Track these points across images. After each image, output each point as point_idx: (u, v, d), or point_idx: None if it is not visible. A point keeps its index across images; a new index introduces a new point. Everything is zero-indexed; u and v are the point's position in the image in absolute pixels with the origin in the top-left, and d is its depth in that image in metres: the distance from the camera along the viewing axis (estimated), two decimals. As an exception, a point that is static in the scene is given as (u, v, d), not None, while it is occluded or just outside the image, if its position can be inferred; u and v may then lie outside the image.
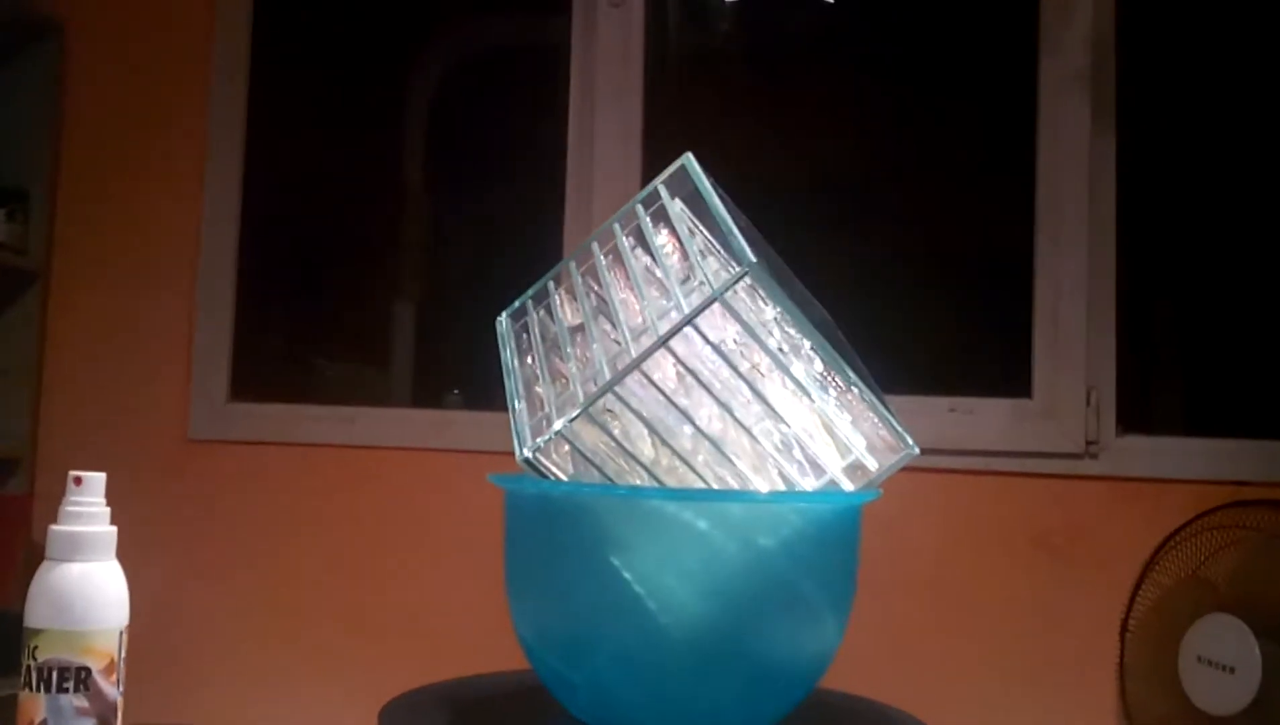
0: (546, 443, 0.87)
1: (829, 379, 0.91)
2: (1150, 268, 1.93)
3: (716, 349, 0.85)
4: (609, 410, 0.87)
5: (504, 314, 1.04)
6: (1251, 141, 1.92)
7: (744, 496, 0.87)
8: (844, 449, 0.89)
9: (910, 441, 0.88)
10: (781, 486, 0.89)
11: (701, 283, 0.85)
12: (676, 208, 0.94)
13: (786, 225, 0.98)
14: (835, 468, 0.89)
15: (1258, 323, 1.90)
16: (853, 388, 0.89)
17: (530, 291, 1.03)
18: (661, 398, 0.87)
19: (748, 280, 0.82)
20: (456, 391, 2.31)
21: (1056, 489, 1.87)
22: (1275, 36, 1.90)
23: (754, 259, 0.79)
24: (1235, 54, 1.94)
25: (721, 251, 0.96)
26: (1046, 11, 1.96)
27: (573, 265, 1.00)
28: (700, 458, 0.88)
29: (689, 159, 0.95)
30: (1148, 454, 1.85)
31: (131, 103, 2.39)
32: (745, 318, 0.85)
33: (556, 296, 1.00)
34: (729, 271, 0.89)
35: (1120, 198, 1.91)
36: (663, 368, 0.87)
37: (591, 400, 0.84)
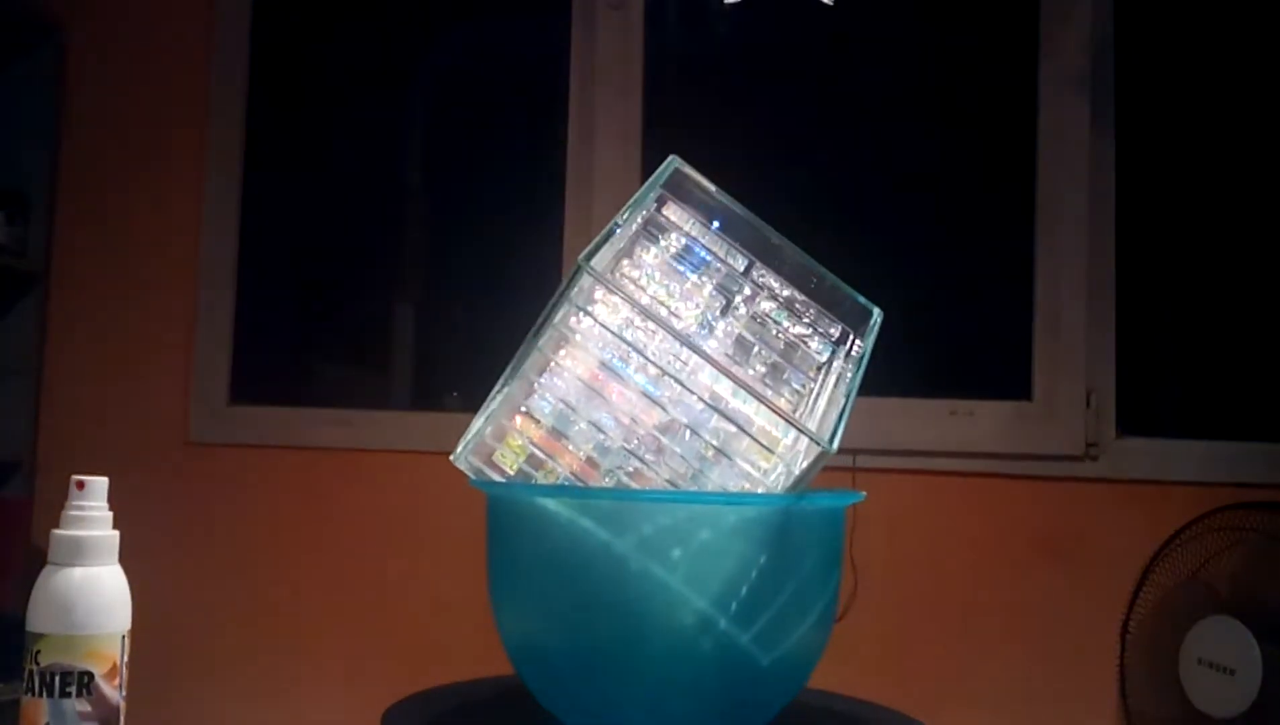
0: (466, 448, 0.89)
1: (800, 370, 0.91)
2: (1150, 269, 1.93)
3: (605, 361, 0.86)
4: (526, 414, 0.88)
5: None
6: (1251, 142, 1.93)
7: (712, 498, 0.87)
8: (766, 453, 0.88)
9: (825, 440, 0.81)
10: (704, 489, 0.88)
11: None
12: (645, 214, 0.96)
13: (786, 227, 0.98)
14: (760, 472, 0.88)
15: (1257, 324, 1.90)
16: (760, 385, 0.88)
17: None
18: (570, 406, 0.88)
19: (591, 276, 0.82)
20: (456, 393, 2.31)
21: (1056, 491, 1.87)
22: (1275, 37, 1.90)
23: (581, 261, 0.80)
24: (1235, 55, 1.94)
25: (711, 250, 0.96)
26: (1046, 13, 1.96)
27: None
28: (629, 464, 0.88)
29: (672, 160, 0.96)
30: (1148, 456, 1.85)
31: (131, 105, 2.39)
32: (606, 319, 0.86)
33: None
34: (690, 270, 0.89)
35: (1120, 199, 1.91)
36: (562, 376, 0.88)
37: (492, 406, 0.86)
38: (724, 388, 0.85)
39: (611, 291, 0.84)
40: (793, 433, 0.85)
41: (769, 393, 0.90)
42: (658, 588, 0.82)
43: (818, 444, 0.81)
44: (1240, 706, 1.50)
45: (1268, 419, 1.84)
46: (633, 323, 0.87)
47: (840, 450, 0.80)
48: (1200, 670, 1.57)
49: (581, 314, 0.87)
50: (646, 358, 0.86)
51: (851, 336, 0.95)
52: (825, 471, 0.83)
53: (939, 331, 2.03)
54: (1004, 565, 1.88)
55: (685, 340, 0.85)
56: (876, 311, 0.96)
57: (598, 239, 0.85)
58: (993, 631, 1.87)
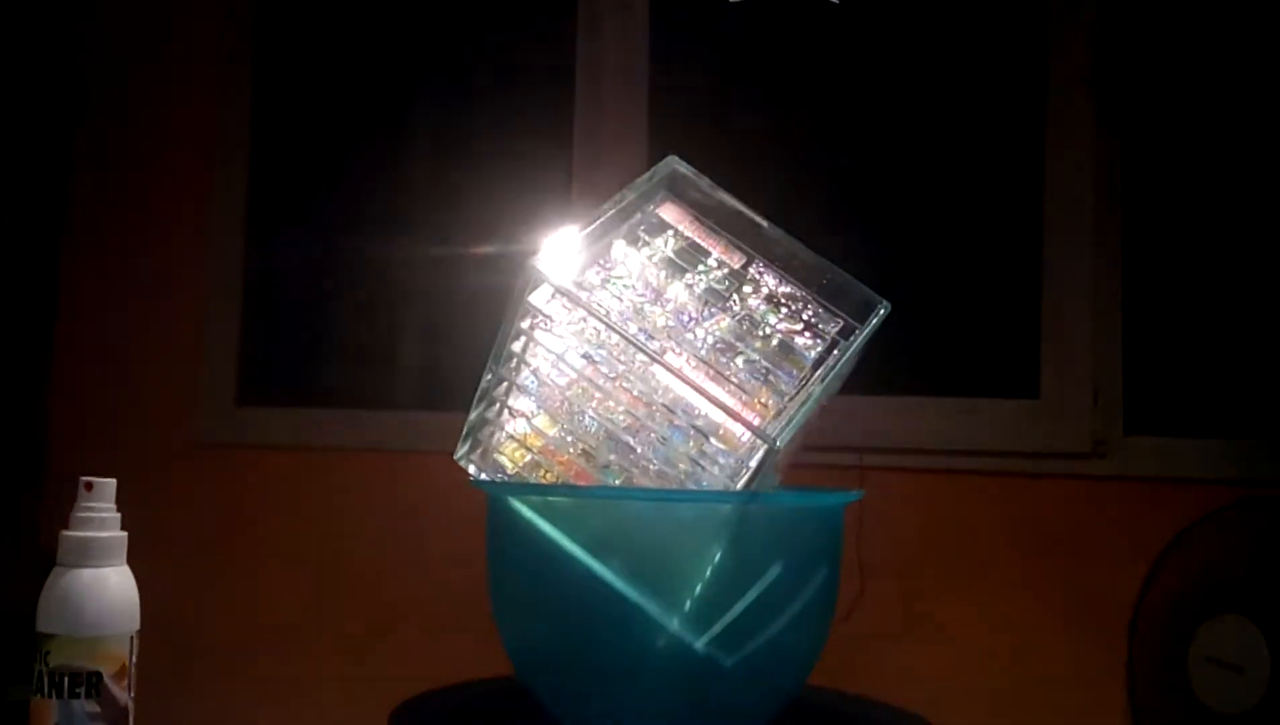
0: (466, 447, 0.89)
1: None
2: (1157, 266, 1.92)
3: (560, 357, 0.86)
4: (517, 415, 0.88)
5: None
6: (1258, 140, 1.92)
7: (709, 497, 0.86)
8: (727, 449, 0.87)
9: (770, 433, 0.81)
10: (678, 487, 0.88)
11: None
12: (640, 214, 0.97)
13: (791, 223, 0.98)
14: (727, 472, 0.87)
15: (1266, 321, 1.90)
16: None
17: None
18: (554, 409, 0.88)
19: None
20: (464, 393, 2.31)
21: (1063, 489, 1.86)
22: (1281, 35, 1.90)
23: (532, 262, 0.81)
24: (1242, 53, 1.94)
25: (707, 249, 0.96)
26: (1055, 10, 1.96)
27: None
28: (615, 466, 0.88)
29: (669, 161, 0.96)
30: (1156, 454, 1.85)
31: (138, 107, 2.40)
32: (565, 321, 0.87)
33: None
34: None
35: (1127, 196, 1.91)
36: (544, 377, 0.89)
37: (480, 405, 0.86)
38: (684, 389, 0.84)
39: (560, 293, 0.84)
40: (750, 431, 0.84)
41: (747, 393, 0.89)
42: (608, 587, 0.81)
43: (761, 439, 0.81)
44: (1248, 704, 1.50)
45: (1277, 416, 1.83)
46: (587, 322, 0.87)
47: (847, 449, 0.80)
48: (1209, 668, 1.57)
49: (540, 316, 0.87)
50: (600, 360, 0.86)
51: (856, 332, 0.94)
52: (831, 470, 0.83)
53: (944, 329, 2.03)
54: (1011, 563, 1.87)
55: (636, 342, 0.84)
56: (883, 305, 0.94)
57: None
58: (999, 629, 1.86)
